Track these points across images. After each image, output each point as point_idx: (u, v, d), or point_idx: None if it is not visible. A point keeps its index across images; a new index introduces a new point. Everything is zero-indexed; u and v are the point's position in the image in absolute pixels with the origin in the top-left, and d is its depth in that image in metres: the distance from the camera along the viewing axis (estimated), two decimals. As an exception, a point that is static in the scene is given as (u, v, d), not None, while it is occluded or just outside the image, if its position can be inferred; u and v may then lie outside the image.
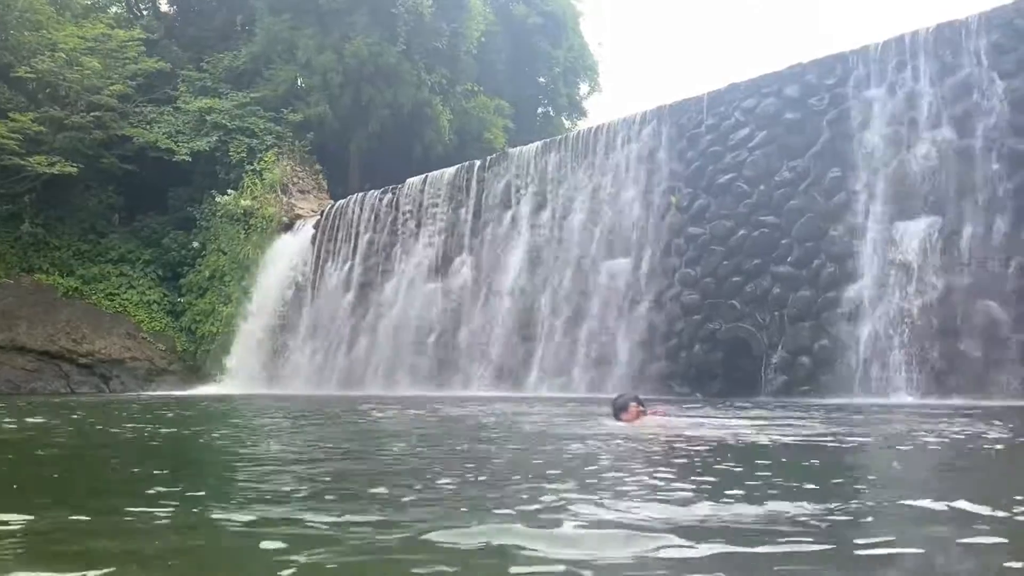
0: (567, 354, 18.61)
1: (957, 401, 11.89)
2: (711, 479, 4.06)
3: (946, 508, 3.08)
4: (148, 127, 28.85)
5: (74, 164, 26.43)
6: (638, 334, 17.54)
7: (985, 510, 2.97)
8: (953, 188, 13.82)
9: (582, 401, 13.76)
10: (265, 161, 28.46)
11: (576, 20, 39.90)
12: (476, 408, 11.85)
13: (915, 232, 14.08)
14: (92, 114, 27.48)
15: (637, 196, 18.75)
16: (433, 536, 2.57)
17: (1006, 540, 2.53)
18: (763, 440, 6.09)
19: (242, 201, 27.85)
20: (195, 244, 29.10)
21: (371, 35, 29.22)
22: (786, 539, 2.51)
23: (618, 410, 7.76)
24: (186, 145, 28.54)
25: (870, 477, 4.55)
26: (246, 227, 27.81)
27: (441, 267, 22.73)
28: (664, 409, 8.78)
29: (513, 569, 2.18)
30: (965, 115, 14.00)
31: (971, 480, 4.43)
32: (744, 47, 72.28)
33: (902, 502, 3.38)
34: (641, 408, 7.70)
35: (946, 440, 6.29)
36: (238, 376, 25.99)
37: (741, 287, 16.22)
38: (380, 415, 10.57)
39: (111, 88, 27.80)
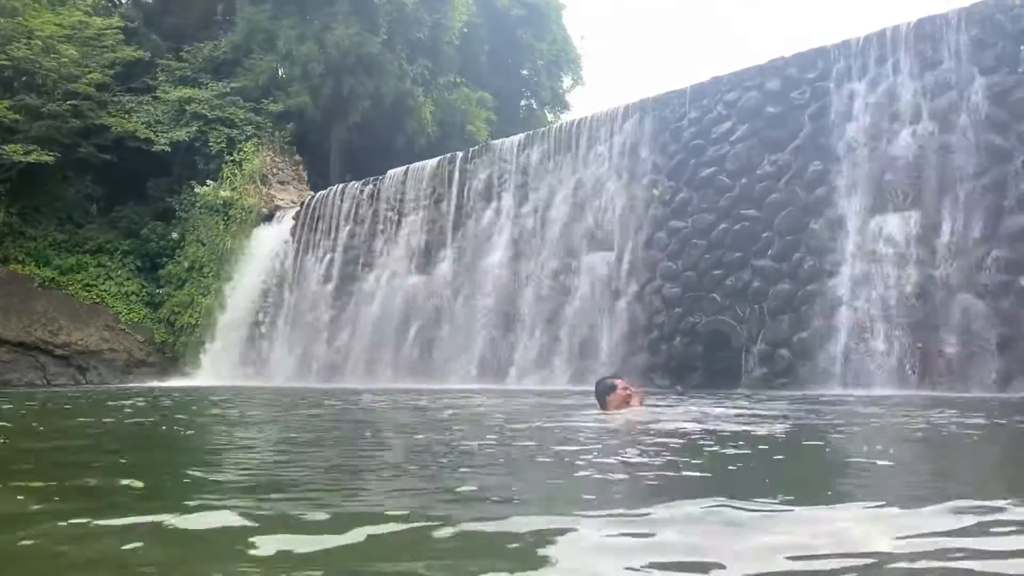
0: (549, 347, 18.61)
1: (935, 393, 11.99)
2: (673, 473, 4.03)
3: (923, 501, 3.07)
4: (126, 116, 28.51)
5: (51, 153, 26.07)
6: (620, 327, 17.56)
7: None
8: (933, 182, 13.90)
9: (561, 393, 13.74)
10: (245, 152, 28.23)
11: (559, 13, 39.82)
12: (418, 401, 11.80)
13: (895, 226, 14.16)
14: (69, 103, 27.11)
15: (619, 189, 18.75)
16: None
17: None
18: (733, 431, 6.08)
19: (221, 192, 27.62)
20: (174, 235, 28.82)
21: (352, 25, 29.01)
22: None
23: (604, 393, 6.83)
24: (165, 135, 28.24)
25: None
26: (225, 218, 27.59)
27: (423, 259, 22.64)
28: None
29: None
30: (945, 110, 14.08)
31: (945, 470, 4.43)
32: (727, 40, 72.48)
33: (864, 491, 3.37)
34: (627, 390, 6.77)
35: (926, 431, 6.33)
36: (217, 368, 25.80)
37: (722, 280, 16.27)
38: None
39: (88, 76, 27.43)
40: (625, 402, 6.77)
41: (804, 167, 15.66)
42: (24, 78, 27.67)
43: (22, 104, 26.54)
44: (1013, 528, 2.34)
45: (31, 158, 25.68)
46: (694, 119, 17.77)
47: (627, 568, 1.96)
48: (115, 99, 29.05)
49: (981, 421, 7.01)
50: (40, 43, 26.70)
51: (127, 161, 28.46)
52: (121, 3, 34.39)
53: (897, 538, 2.20)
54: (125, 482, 3.46)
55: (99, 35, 28.14)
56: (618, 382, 6.90)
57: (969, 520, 2.39)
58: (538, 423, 6.87)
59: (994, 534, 2.28)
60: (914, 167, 14.19)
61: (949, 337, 12.96)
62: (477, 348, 20.02)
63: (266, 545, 2.20)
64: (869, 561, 2.03)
